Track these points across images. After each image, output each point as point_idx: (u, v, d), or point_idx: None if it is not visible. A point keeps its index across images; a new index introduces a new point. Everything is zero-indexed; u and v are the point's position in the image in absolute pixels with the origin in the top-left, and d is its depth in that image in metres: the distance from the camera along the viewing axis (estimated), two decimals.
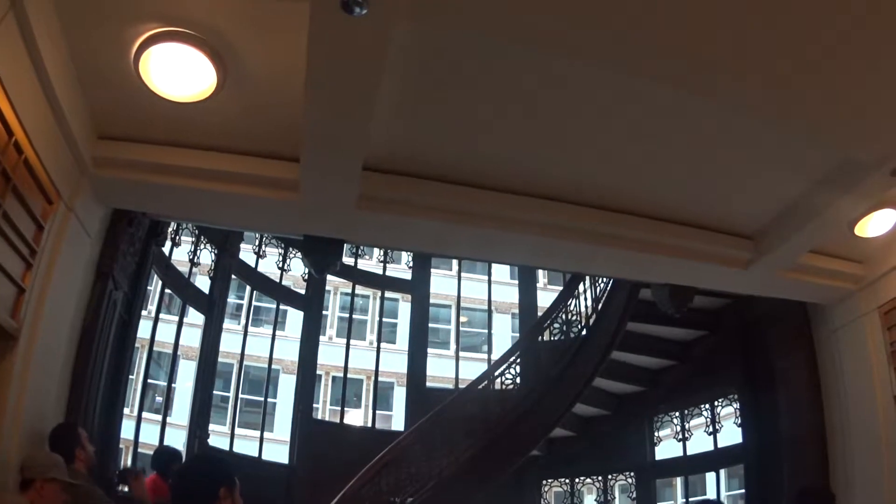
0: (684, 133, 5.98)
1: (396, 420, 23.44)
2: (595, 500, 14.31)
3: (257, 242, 14.89)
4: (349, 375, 16.63)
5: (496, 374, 12.73)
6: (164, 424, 11.73)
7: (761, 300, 9.26)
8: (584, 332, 12.61)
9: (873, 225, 7.21)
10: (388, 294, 18.90)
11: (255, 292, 16.25)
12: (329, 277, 17.61)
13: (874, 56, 4.74)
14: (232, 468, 4.13)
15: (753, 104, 5.34)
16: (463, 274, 18.98)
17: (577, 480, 14.19)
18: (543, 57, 5.08)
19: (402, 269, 18.24)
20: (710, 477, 12.85)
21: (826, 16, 4.42)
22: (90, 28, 4.89)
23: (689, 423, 12.54)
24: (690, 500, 14.12)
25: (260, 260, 14.85)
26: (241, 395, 22.53)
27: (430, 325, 19.82)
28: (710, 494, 14.99)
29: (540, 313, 15.23)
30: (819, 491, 7.70)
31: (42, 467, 4.73)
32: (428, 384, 16.54)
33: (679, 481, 14.05)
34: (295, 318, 16.34)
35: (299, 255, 11.77)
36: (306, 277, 15.69)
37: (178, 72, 5.18)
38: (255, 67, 5.23)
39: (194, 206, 7.00)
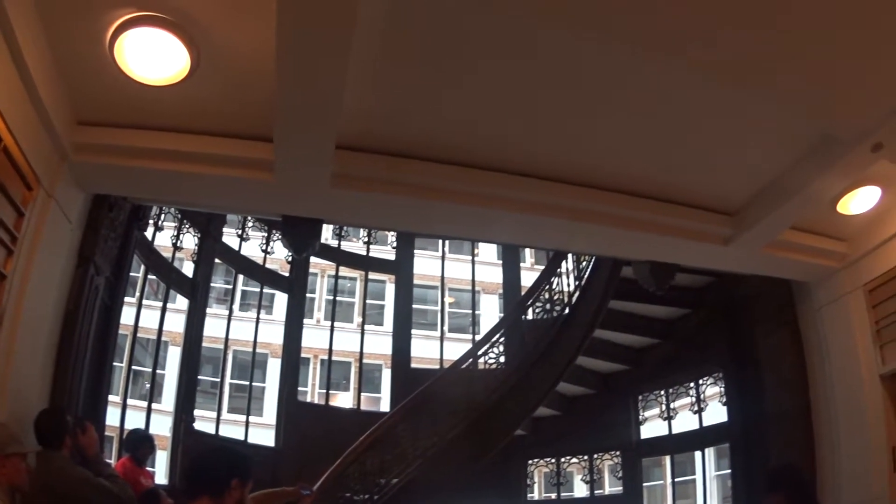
0: (664, 109, 6.00)
1: (385, 402, 23.51)
2: (582, 479, 14.35)
3: (240, 225, 14.89)
4: (337, 358, 16.68)
5: (480, 353, 12.75)
6: (149, 410, 11.75)
7: (746, 277, 9.36)
8: (567, 311, 12.63)
9: (856, 202, 7.30)
10: (374, 276, 18.96)
11: (243, 277, 16.24)
12: (315, 260, 17.62)
13: (856, 30, 4.81)
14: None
15: (734, 76, 5.39)
16: (450, 255, 19.02)
17: (562, 460, 14.22)
18: (520, 30, 5.12)
19: (386, 249, 18.26)
20: (699, 456, 12.92)
21: None
22: (66, 15, 4.92)
23: (674, 402, 12.59)
24: None
25: (243, 243, 14.85)
26: (230, 381, 22.59)
27: (418, 306, 19.84)
28: (698, 474, 15.08)
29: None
30: (787, 468, 7.76)
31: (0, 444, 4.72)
32: (416, 365, 16.57)
33: (668, 461, 14.12)
34: (284, 302, 16.36)
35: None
36: (290, 260, 15.71)
37: (152, 56, 5.23)
38: (228, 49, 5.26)
39: (172, 189, 7.01)
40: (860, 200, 7.27)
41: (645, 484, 13.71)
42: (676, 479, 14.34)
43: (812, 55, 5.05)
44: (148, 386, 16.62)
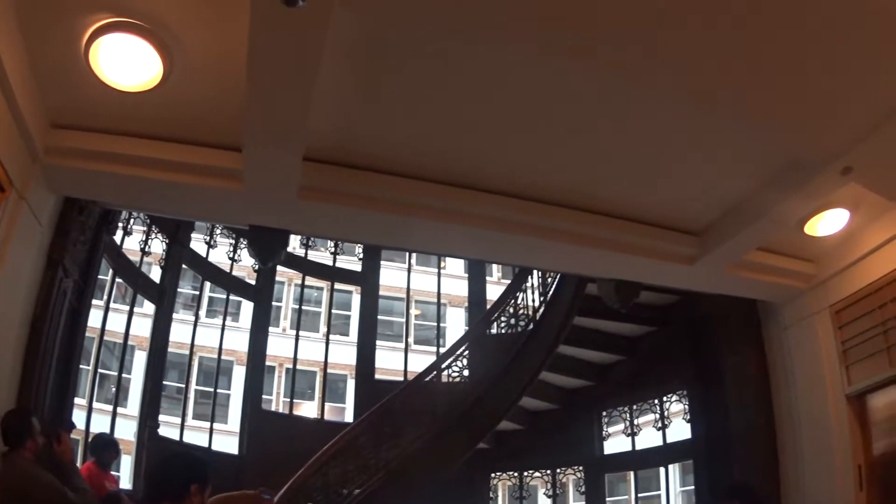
0: (632, 129, 6.08)
1: (349, 413, 23.47)
2: (545, 493, 14.37)
3: (209, 232, 14.88)
4: (302, 367, 16.62)
5: (444, 366, 12.77)
6: (114, 414, 11.71)
7: (711, 296, 9.35)
8: (531, 326, 12.67)
9: (824, 224, 7.32)
10: (341, 286, 18.91)
11: (210, 283, 16.22)
12: (282, 268, 17.59)
13: (825, 53, 4.87)
14: (210, 469, 4.29)
15: (704, 99, 5.47)
16: (418, 267, 19.03)
17: (525, 474, 14.26)
18: (487, 50, 5.19)
19: (353, 260, 18.25)
20: (663, 472, 12.99)
21: (780, 15, 4.55)
22: (44, 18, 4.95)
23: (638, 418, 12.66)
24: None
25: (211, 250, 14.84)
26: (195, 387, 22.50)
27: (385, 317, 19.76)
28: (662, 490, 15.15)
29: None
30: (743, 482, 7.86)
31: None
32: (380, 377, 16.57)
33: (632, 476, 14.20)
34: (250, 310, 16.34)
35: None
36: (257, 268, 15.71)
37: (126, 62, 5.27)
38: (201, 58, 5.31)
39: (142, 195, 7.04)
40: (828, 223, 7.30)
41: (609, 499, 13.77)
42: (641, 495, 14.38)
43: (782, 78, 5.11)
44: (114, 390, 16.55)
